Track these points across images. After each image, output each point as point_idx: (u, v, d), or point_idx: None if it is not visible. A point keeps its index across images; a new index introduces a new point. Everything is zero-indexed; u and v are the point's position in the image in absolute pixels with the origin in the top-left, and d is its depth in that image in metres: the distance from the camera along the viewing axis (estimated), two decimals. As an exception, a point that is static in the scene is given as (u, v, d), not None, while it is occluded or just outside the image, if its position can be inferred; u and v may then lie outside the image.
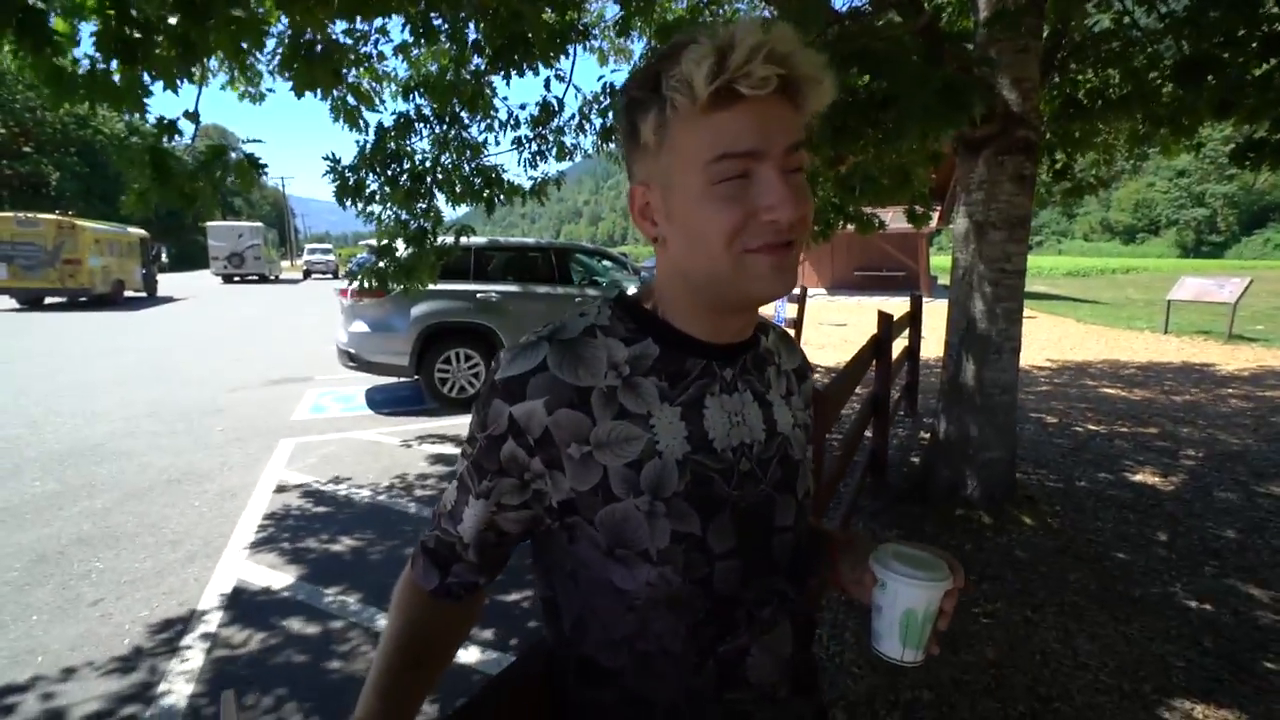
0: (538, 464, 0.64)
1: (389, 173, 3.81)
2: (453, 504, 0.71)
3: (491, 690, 0.74)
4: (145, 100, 2.31)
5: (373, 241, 4.01)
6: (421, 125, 3.98)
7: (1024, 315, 3.72)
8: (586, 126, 4.72)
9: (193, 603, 2.91)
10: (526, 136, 4.44)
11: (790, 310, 8.77)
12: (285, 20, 3.10)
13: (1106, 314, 15.09)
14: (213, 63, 3.76)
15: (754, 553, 0.69)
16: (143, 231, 19.33)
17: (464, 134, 4.06)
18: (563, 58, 3.69)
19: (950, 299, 3.84)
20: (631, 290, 0.74)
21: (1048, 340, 11.09)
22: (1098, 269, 36.74)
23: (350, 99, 3.86)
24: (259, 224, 29.39)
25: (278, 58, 3.62)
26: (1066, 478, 4.34)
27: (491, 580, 0.76)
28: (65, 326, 12.23)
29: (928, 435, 4.51)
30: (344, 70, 3.50)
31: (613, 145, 4.77)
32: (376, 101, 4.21)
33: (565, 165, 5.04)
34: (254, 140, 2.66)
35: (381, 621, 2.72)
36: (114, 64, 2.21)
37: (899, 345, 5.21)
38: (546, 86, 4.23)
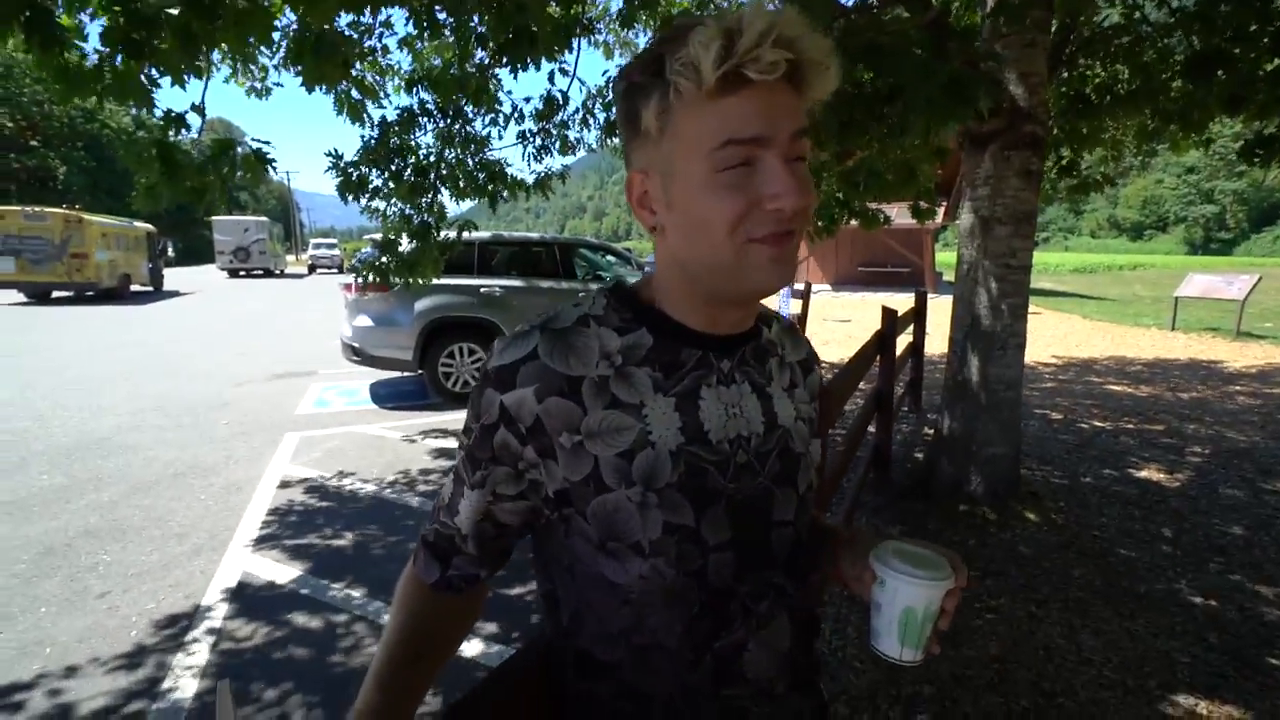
0: (531, 453, 0.64)
1: (393, 167, 3.81)
2: (450, 496, 0.71)
3: (491, 682, 0.74)
4: (153, 95, 2.32)
5: (377, 236, 4.02)
6: (425, 119, 3.98)
7: (1029, 311, 3.71)
8: (591, 120, 4.71)
9: (198, 596, 2.93)
10: (531, 130, 4.43)
11: (795, 306, 8.75)
12: (290, 14, 3.10)
13: (1113, 310, 15.01)
14: (216, 56, 3.77)
15: (750, 546, 0.69)
16: (149, 226, 19.40)
17: (468, 128, 4.05)
18: (567, 51, 3.67)
19: (955, 294, 3.82)
20: (624, 274, 0.74)
21: (1053, 337, 11.05)
22: (1105, 265, 36.54)
23: (354, 93, 3.86)
24: (264, 219, 29.43)
25: (282, 51, 3.63)
26: (1071, 474, 4.33)
27: (493, 573, 0.75)
28: (72, 320, 12.29)
29: (932, 431, 4.50)
30: (350, 64, 3.50)
31: (617, 139, 4.75)
32: (380, 95, 4.21)
33: (570, 160, 5.04)
34: (262, 141, 2.66)
35: (385, 615, 2.73)
36: (120, 59, 2.21)
37: (903, 341, 5.20)
38: (551, 80, 4.23)
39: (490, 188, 4.03)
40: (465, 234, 4.27)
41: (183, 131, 2.53)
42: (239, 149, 2.64)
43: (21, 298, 15.77)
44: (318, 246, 34.60)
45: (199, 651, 2.53)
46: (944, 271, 20.22)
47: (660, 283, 0.70)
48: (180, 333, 11.03)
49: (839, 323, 12.79)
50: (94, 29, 2.26)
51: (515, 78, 3.61)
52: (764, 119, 0.58)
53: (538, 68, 3.58)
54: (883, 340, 3.69)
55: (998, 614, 2.68)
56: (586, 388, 0.64)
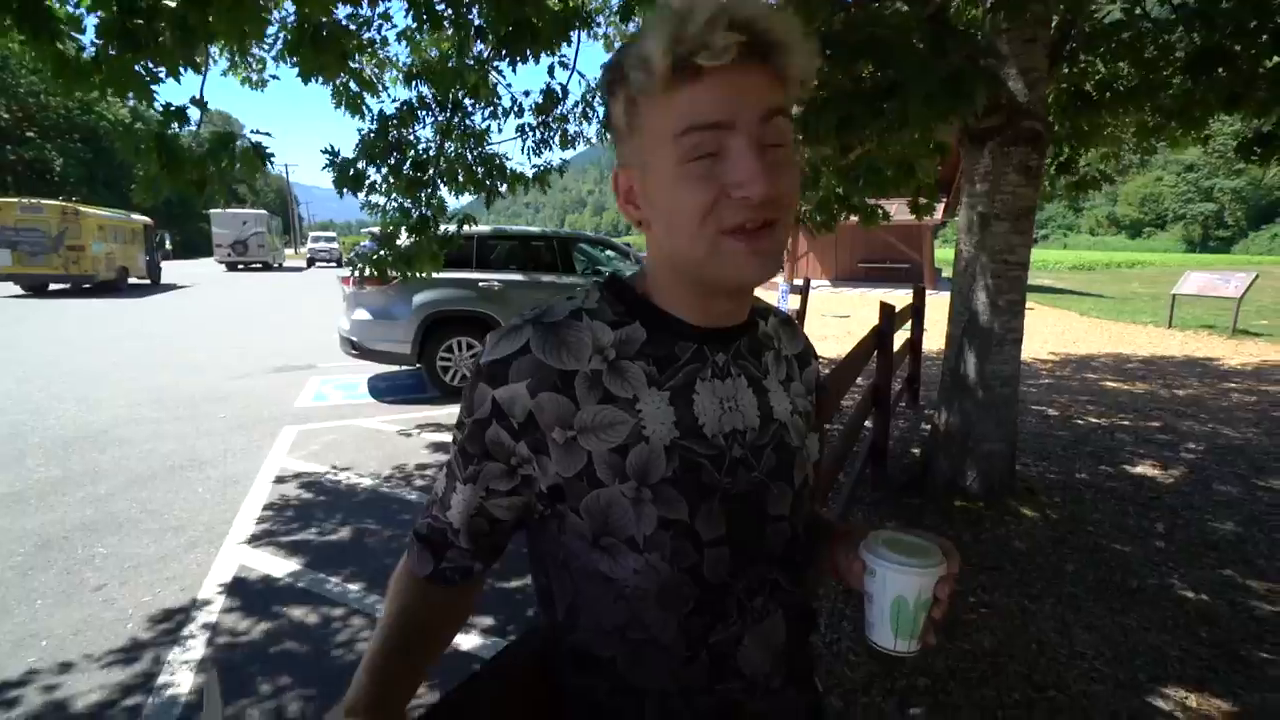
0: (523, 448, 0.64)
1: (391, 162, 3.80)
2: (442, 490, 0.71)
3: (485, 675, 0.74)
4: (154, 88, 2.31)
5: (376, 229, 4.01)
6: (424, 113, 3.96)
7: (1025, 307, 3.71)
8: (590, 114, 4.71)
9: (195, 589, 2.93)
10: (530, 124, 4.42)
11: (793, 301, 8.75)
12: (290, 5, 3.09)
13: (1111, 308, 15.03)
14: (213, 49, 3.75)
15: (745, 541, 0.68)
16: (147, 219, 19.36)
17: (467, 121, 4.04)
18: (566, 44, 3.66)
19: (953, 290, 3.83)
20: (623, 269, 0.73)
21: (1051, 334, 11.06)
22: (1103, 263, 36.56)
23: (353, 85, 3.85)
24: (263, 212, 29.34)
25: (280, 42, 3.61)
26: (1066, 470, 4.35)
27: (488, 567, 0.75)
28: (69, 313, 12.27)
29: (929, 427, 4.51)
30: (348, 56, 3.49)
31: (616, 133, 4.74)
32: (379, 88, 4.20)
33: (569, 154, 5.03)
34: (262, 132, 2.66)
35: (382, 608, 2.74)
36: (115, 50, 2.21)
37: (901, 337, 5.20)
38: (550, 73, 4.21)
39: (489, 182, 4.02)
40: (465, 228, 4.26)
41: (183, 124, 2.53)
42: (239, 142, 2.64)
43: (18, 290, 15.73)
44: (316, 240, 34.53)
45: (195, 645, 2.54)
46: (943, 268, 20.21)
47: (652, 276, 0.69)
48: (178, 326, 11.02)
49: (838, 318, 12.80)
50: (91, 22, 2.26)
51: (514, 71, 3.60)
52: (725, 103, 0.57)
53: (537, 61, 3.58)
54: (880, 336, 3.69)
55: (991, 608, 2.70)
56: (579, 382, 0.63)
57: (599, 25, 6.30)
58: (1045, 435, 5.15)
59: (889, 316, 3.76)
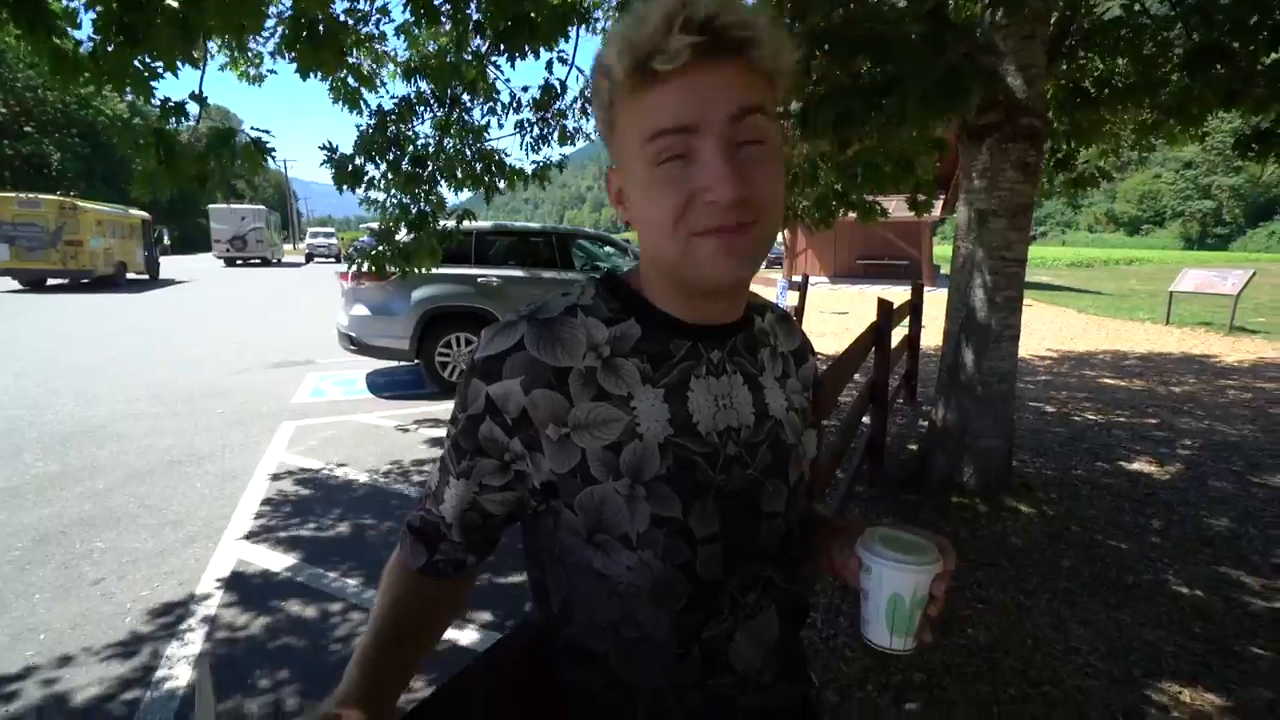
0: (517, 444, 0.64)
1: (390, 157, 3.79)
2: (436, 484, 0.71)
3: (478, 667, 0.74)
4: (153, 82, 2.30)
5: (374, 225, 4.01)
6: (422, 108, 3.96)
7: (1023, 304, 3.72)
8: (589, 110, 4.69)
9: (193, 583, 2.94)
10: (529, 120, 4.41)
11: (792, 298, 8.75)
12: (287, 0, 3.08)
13: (1108, 305, 15.05)
14: (212, 44, 3.74)
15: (739, 538, 0.68)
16: (145, 214, 19.30)
17: (465, 117, 4.03)
18: (565, 40, 3.66)
19: (951, 287, 3.83)
20: (622, 265, 0.73)
21: (1048, 330, 11.08)
22: (1101, 260, 36.59)
23: (351, 80, 3.84)
24: (261, 207, 29.28)
25: (277, 36, 3.60)
26: (1063, 466, 4.36)
27: (482, 560, 0.75)
28: (67, 308, 12.25)
29: (926, 423, 4.52)
30: (346, 51, 3.48)
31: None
32: (377, 83, 4.19)
33: (568, 150, 5.02)
34: (262, 130, 2.65)
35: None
36: (113, 46, 2.20)
37: (899, 333, 5.21)
38: (549, 69, 4.20)
39: (488, 178, 4.02)
40: (464, 224, 4.26)
41: (182, 120, 2.52)
42: (239, 138, 2.63)
43: (16, 285, 15.69)
44: (315, 235, 34.42)
45: (193, 640, 2.54)
46: (942, 265, 20.22)
47: (645, 274, 0.69)
48: (176, 321, 11.00)
49: (836, 315, 12.81)
50: (88, 17, 2.25)
51: (513, 66, 3.59)
52: (689, 106, 0.55)
53: (536, 56, 3.57)
54: (878, 332, 3.70)
55: (987, 604, 2.71)
56: (573, 379, 0.63)
57: (598, 20, 6.28)
58: (1042, 432, 5.16)
59: (887, 313, 3.77)
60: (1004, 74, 3.36)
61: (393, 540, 3.33)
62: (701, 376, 0.67)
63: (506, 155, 4.11)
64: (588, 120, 4.77)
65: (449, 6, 3.57)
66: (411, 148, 3.85)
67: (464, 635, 2.58)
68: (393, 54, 4.59)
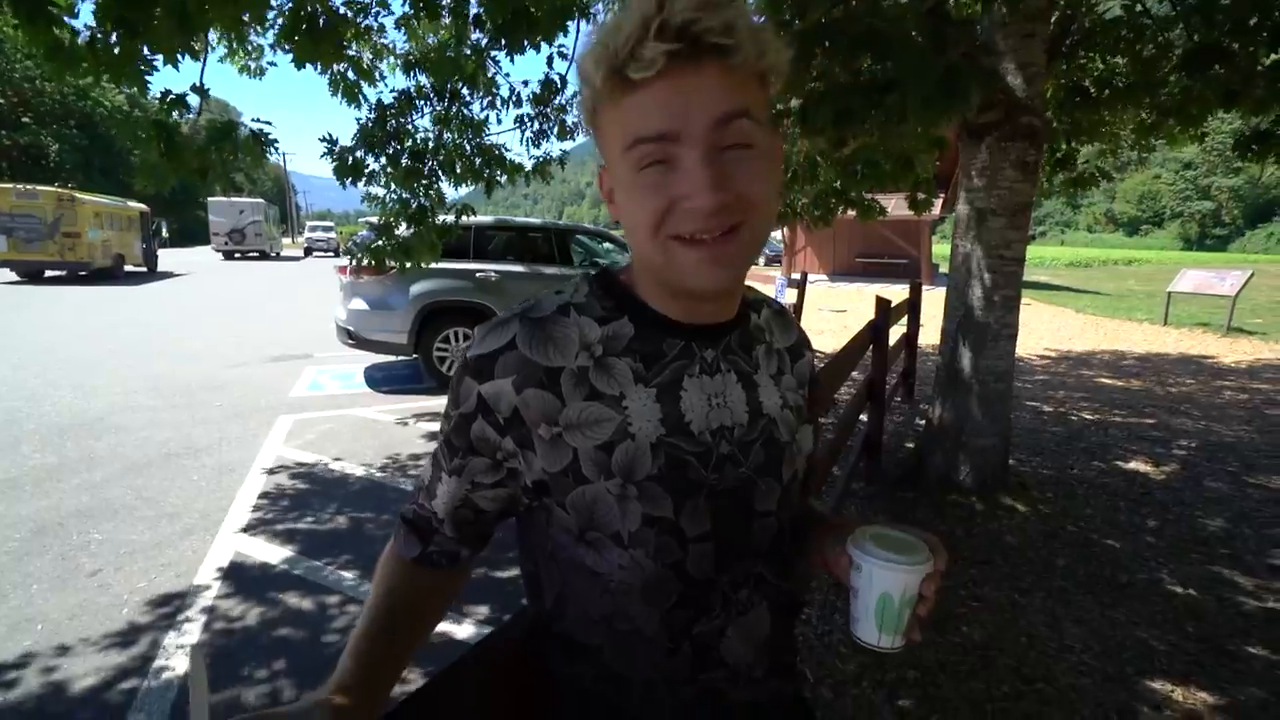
0: (509, 443, 0.64)
1: (389, 152, 3.79)
2: (429, 479, 0.71)
3: (470, 659, 0.75)
4: (148, 75, 2.30)
5: (373, 219, 4.01)
6: (422, 102, 3.95)
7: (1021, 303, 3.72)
8: (588, 106, 4.68)
9: (190, 575, 2.94)
10: (528, 115, 4.40)
11: (790, 296, 8.75)
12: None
13: (1107, 305, 15.07)
14: (212, 35, 3.73)
15: (731, 536, 0.68)
16: (143, 206, 19.27)
17: (465, 111, 4.03)
18: (564, 34, 3.65)
19: (949, 285, 3.84)
20: (621, 261, 0.73)
21: (1047, 330, 11.10)
22: (1100, 260, 36.62)
23: (350, 74, 3.83)
24: (260, 200, 29.23)
25: (277, 28, 3.59)
26: (1059, 465, 4.37)
27: (476, 553, 0.75)
28: (65, 300, 12.22)
29: (923, 422, 4.53)
30: (345, 44, 3.47)
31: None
32: (376, 77, 4.18)
33: (568, 145, 5.02)
34: (264, 123, 2.65)
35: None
36: (114, 37, 2.20)
37: (897, 332, 5.21)
38: (549, 64, 4.19)
39: (487, 172, 4.01)
40: (463, 218, 4.26)
41: (183, 112, 2.52)
42: (240, 130, 2.63)
43: (13, 276, 15.66)
44: (314, 229, 34.42)
45: (191, 630, 2.55)
46: (940, 263, 20.23)
47: (636, 273, 0.69)
48: (174, 314, 10.99)
49: (835, 313, 12.81)
50: (87, 7, 2.24)
51: (512, 61, 3.59)
52: (668, 113, 0.54)
53: (536, 50, 3.56)
54: (876, 330, 3.70)
55: (982, 602, 2.72)
56: (565, 379, 0.63)
57: (597, 14, 6.27)
58: (1039, 431, 5.17)
59: (885, 311, 3.77)
60: (1004, 73, 3.36)
61: (389, 534, 3.34)
62: (695, 375, 0.67)
63: (507, 150, 4.10)
64: (587, 115, 4.75)
65: (449, 0, 3.56)
66: (411, 142, 3.85)
67: (460, 629, 2.59)
68: (392, 47, 4.58)
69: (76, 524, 3.37)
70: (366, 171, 3.75)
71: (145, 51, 2.26)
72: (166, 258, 24.50)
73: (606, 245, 7.62)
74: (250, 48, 4.42)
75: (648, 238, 0.59)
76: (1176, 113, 4.07)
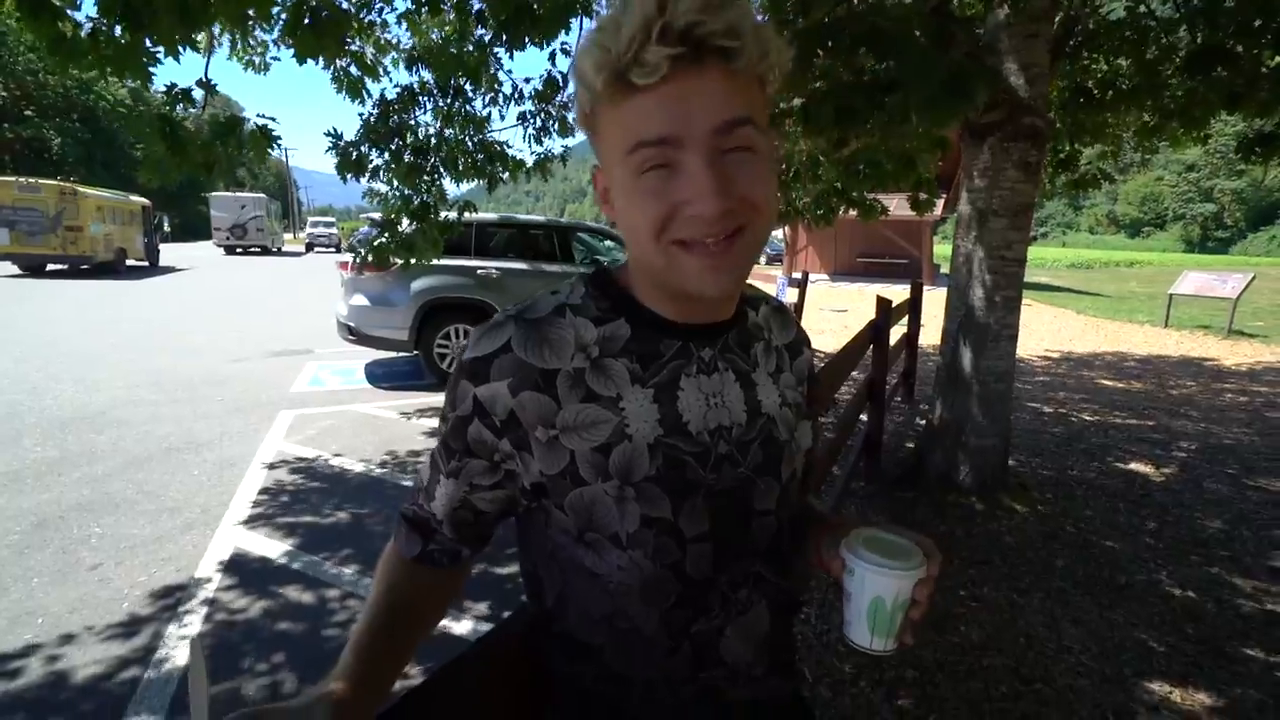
0: (506, 445, 0.64)
1: (393, 147, 3.79)
2: (427, 481, 0.71)
3: (472, 656, 0.75)
4: (151, 68, 2.30)
5: (375, 215, 4.01)
6: (425, 98, 3.95)
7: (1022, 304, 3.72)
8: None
9: (191, 569, 2.95)
10: (530, 111, 4.40)
11: (791, 295, 8.75)
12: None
13: (1108, 306, 15.06)
14: (215, 29, 3.73)
15: (729, 536, 0.68)
16: (145, 200, 19.26)
17: (468, 107, 4.03)
18: (567, 31, 3.65)
19: (950, 285, 3.84)
20: (622, 259, 0.73)
21: (1047, 331, 11.09)
22: (1102, 261, 36.58)
23: (353, 69, 3.83)
24: (262, 195, 29.22)
25: (280, 23, 3.59)
26: (1059, 466, 4.37)
27: (477, 552, 0.75)
28: (67, 294, 12.23)
29: (923, 422, 4.53)
30: (348, 39, 3.47)
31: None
32: (380, 73, 4.18)
33: (570, 142, 5.02)
34: (268, 118, 2.66)
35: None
36: (119, 29, 2.19)
37: (898, 332, 5.21)
38: (552, 60, 4.19)
39: (489, 169, 4.01)
40: (465, 215, 4.26)
41: (189, 106, 2.52)
42: (246, 125, 2.64)
43: (15, 270, 15.66)
44: (315, 225, 34.42)
45: (191, 622, 2.55)
46: (942, 264, 20.23)
47: (633, 274, 0.68)
48: (176, 308, 10.99)
49: (835, 313, 12.81)
50: (88, 0, 2.24)
51: (511, 57, 3.59)
52: (671, 118, 0.53)
53: (539, 47, 3.56)
54: (876, 330, 3.70)
55: (980, 602, 2.72)
56: (561, 381, 0.63)
57: (599, 11, 6.26)
58: (1039, 432, 5.17)
59: (886, 311, 3.77)
60: (1007, 74, 3.36)
61: (390, 531, 3.34)
62: (692, 375, 0.67)
63: (508, 147, 4.10)
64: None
65: (452, -4, 3.57)
66: (413, 138, 3.85)
67: (460, 625, 2.60)
68: (395, 42, 4.58)
69: (77, 518, 3.38)
70: (370, 167, 3.75)
71: (148, 44, 2.26)
72: (168, 252, 24.50)
73: (608, 243, 7.61)
74: (254, 43, 4.42)
75: (650, 243, 0.58)
76: (1180, 115, 4.07)
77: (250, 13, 2.39)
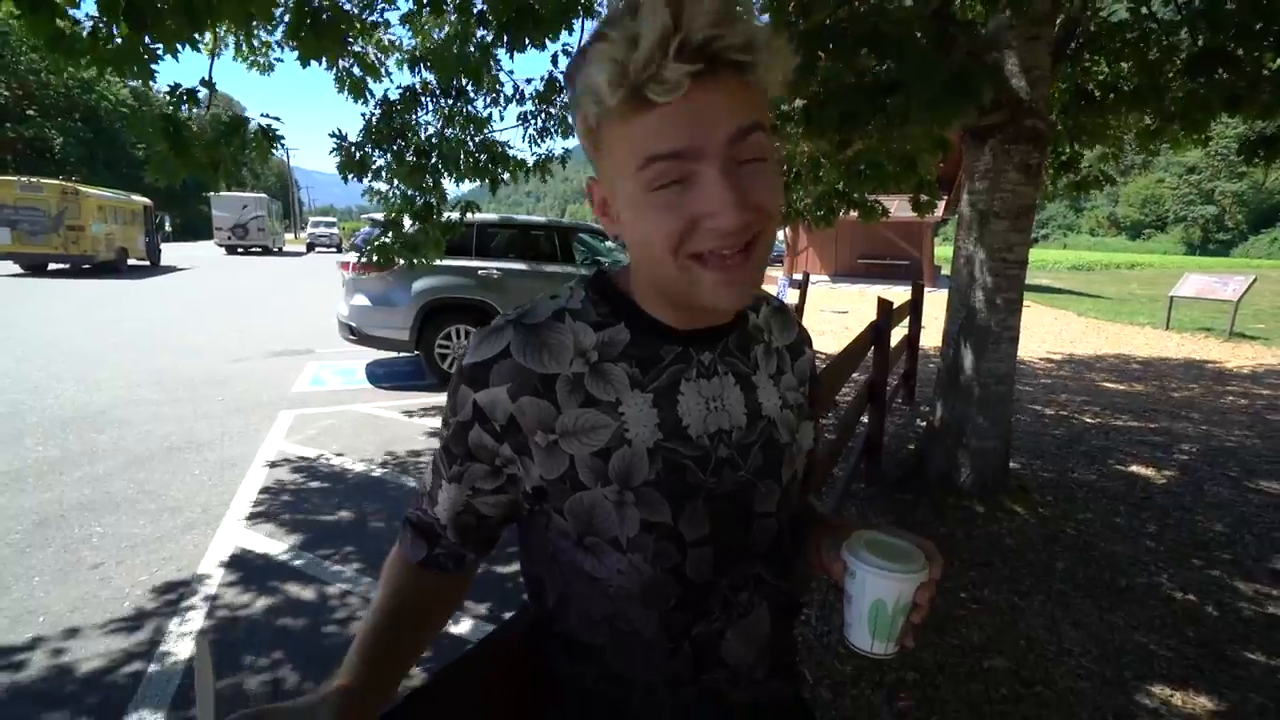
0: (507, 450, 0.64)
1: (394, 148, 3.79)
2: (430, 485, 0.71)
3: (474, 656, 0.75)
4: (153, 68, 2.30)
5: (376, 215, 4.02)
6: (427, 98, 3.96)
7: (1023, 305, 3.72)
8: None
9: (192, 568, 2.95)
10: (531, 112, 4.41)
11: (792, 296, 8.75)
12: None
13: (1109, 309, 15.06)
14: (221, 32, 3.73)
15: (729, 539, 0.68)
16: (146, 200, 19.28)
17: (469, 108, 4.03)
18: (568, 32, 3.65)
19: (951, 287, 3.84)
20: (624, 260, 0.72)
21: (1048, 333, 11.09)
22: (1103, 263, 36.56)
23: (356, 70, 3.84)
24: (263, 196, 29.25)
25: (284, 25, 3.59)
26: (1060, 469, 4.37)
27: (482, 557, 0.75)
28: (68, 293, 12.24)
29: (924, 423, 4.53)
30: (350, 39, 3.48)
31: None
32: (382, 73, 4.18)
33: (571, 143, 5.02)
34: (272, 118, 2.67)
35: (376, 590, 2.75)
36: (116, 29, 2.20)
37: (899, 333, 5.21)
38: (553, 61, 4.19)
39: (491, 169, 4.02)
40: (467, 215, 4.27)
41: (195, 107, 2.52)
42: (250, 125, 2.64)
43: (17, 269, 15.67)
44: (316, 225, 34.45)
45: (193, 622, 2.56)
46: (943, 265, 20.22)
47: (635, 281, 0.68)
48: (177, 308, 11.00)
49: (836, 314, 12.81)
50: (88, -1, 2.25)
51: (511, 58, 3.59)
52: (687, 130, 0.52)
53: (539, 48, 3.57)
54: (877, 331, 3.70)
55: (981, 604, 2.72)
56: (560, 386, 0.63)
57: (601, 13, 6.26)
58: (1040, 434, 5.17)
59: (886, 312, 3.77)
60: (1008, 75, 3.36)
61: (392, 529, 3.35)
62: (692, 379, 0.67)
63: (510, 147, 4.11)
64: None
65: (454, -3, 3.57)
66: (415, 138, 3.85)
67: (461, 625, 2.60)
68: (398, 43, 4.58)
69: (79, 517, 3.38)
70: (372, 167, 3.76)
71: (148, 43, 2.26)
72: (170, 252, 24.53)
73: (609, 244, 7.61)
74: (258, 44, 4.43)
75: (666, 256, 0.57)
76: (1181, 117, 4.06)
77: (253, 11, 2.39)
